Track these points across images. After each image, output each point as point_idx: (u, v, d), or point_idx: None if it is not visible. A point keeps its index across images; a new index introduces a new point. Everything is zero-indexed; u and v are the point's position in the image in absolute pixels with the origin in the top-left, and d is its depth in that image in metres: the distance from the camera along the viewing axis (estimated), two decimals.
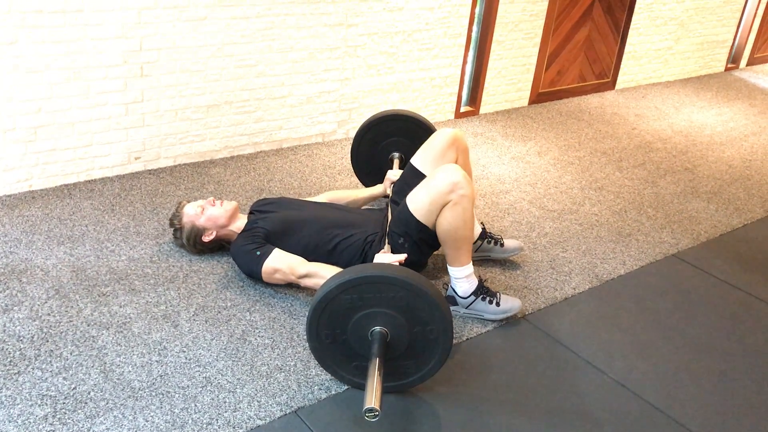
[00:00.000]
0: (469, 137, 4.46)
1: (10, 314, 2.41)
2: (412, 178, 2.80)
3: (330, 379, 2.26)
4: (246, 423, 2.06)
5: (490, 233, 2.99)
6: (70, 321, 2.41)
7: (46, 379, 2.15)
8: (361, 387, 2.20)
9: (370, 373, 1.98)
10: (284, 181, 3.60)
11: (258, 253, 2.60)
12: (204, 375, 2.23)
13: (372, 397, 1.88)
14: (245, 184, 3.53)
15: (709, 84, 6.27)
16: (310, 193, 3.48)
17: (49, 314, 2.43)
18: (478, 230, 2.95)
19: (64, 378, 2.16)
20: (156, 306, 2.53)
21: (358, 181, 3.54)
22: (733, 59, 6.86)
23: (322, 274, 2.50)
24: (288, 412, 2.12)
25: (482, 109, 4.92)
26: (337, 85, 4.06)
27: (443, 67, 4.50)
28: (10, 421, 1.99)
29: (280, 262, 2.58)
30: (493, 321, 2.63)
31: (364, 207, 3.18)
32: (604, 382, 2.39)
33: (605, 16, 5.37)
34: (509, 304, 2.62)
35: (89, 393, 2.11)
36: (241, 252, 2.64)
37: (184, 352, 2.32)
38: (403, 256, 2.48)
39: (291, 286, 2.70)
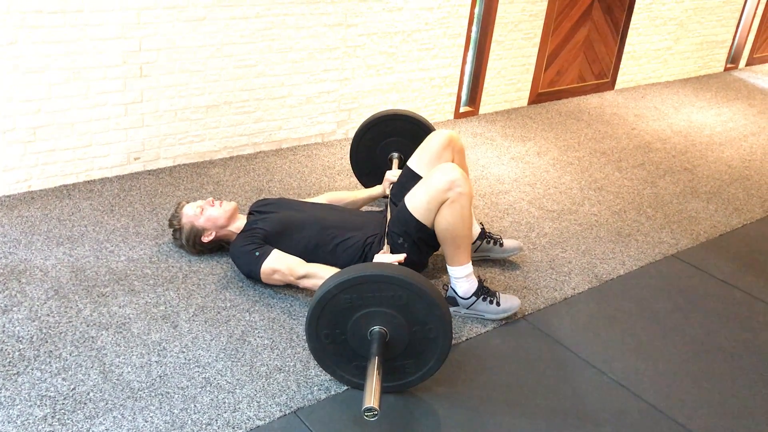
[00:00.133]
0: (469, 137, 4.46)
1: (10, 315, 2.41)
2: (409, 180, 2.80)
3: (329, 380, 2.26)
4: (245, 423, 2.06)
5: (489, 233, 2.99)
6: (70, 321, 2.41)
7: (46, 379, 2.15)
8: (361, 387, 2.20)
9: (369, 373, 1.98)
10: (284, 182, 3.59)
11: (257, 253, 2.60)
12: (203, 375, 2.23)
13: (371, 397, 1.88)
14: (244, 184, 3.53)
15: (709, 84, 6.27)
16: (309, 193, 3.48)
17: (48, 315, 2.43)
18: (477, 230, 2.95)
19: (64, 378, 2.16)
20: (155, 306, 2.53)
21: (358, 182, 3.54)
22: (733, 59, 6.86)
23: (321, 274, 2.50)
24: (287, 412, 2.12)
25: (482, 110, 4.92)
26: (336, 86, 4.06)
27: (443, 67, 4.50)
28: (9, 422, 1.99)
29: (279, 263, 2.58)
30: (494, 321, 2.63)
31: (363, 208, 3.18)
32: (604, 382, 2.39)
33: (604, 16, 5.37)
34: (509, 303, 2.63)
35: (88, 393, 2.11)
36: (240, 252, 2.64)
37: (184, 352, 2.32)
38: (402, 256, 2.48)
39: (290, 287, 2.70)
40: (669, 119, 5.20)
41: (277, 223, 2.69)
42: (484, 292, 2.61)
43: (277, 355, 2.35)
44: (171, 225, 2.83)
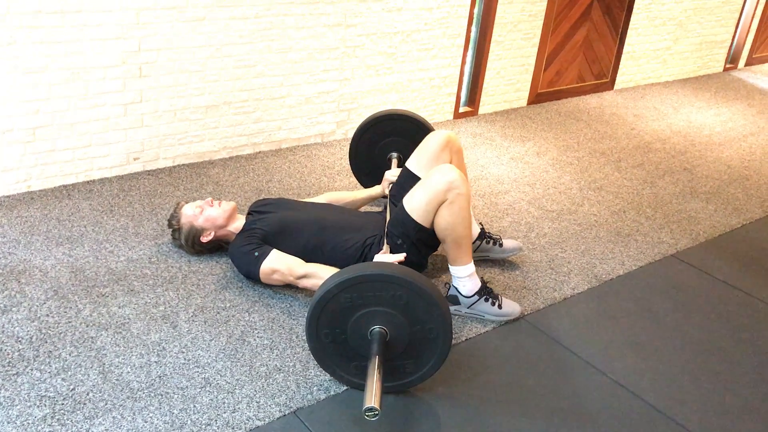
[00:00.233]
0: (468, 138, 4.46)
1: (9, 315, 2.41)
2: (408, 181, 2.80)
3: (329, 380, 2.26)
4: (245, 424, 2.06)
5: (488, 233, 2.99)
6: (69, 322, 2.41)
7: (45, 380, 2.15)
8: (361, 387, 2.20)
9: (370, 373, 1.98)
10: (283, 182, 3.59)
11: (256, 254, 2.60)
12: (203, 376, 2.23)
13: (372, 396, 1.88)
14: (244, 184, 3.53)
15: (708, 84, 6.27)
16: (309, 193, 3.48)
17: (47, 315, 2.43)
18: (476, 230, 2.95)
19: (63, 379, 2.16)
20: (155, 307, 2.53)
21: (357, 182, 3.54)
22: (732, 59, 6.86)
23: (320, 274, 2.50)
24: (287, 412, 2.12)
25: (481, 110, 4.92)
26: (336, 86, 4.06)
27: (442, 67, 4.50)
28: (8, 422, 1.98)
29: (279, 263, 2.58)
30: (493, 322, 2.63)
31: (362, 208, 3.18)
32: (603, 383, 2.39)
33: (604, 17, 5.37)
34: (510, 308, 2.63)
35: (88, 394, 2.11)
36: (239, 253, 2.64)
37: (183, 352, 2.32)
38: (402, 256, 2.48)
39: (289, 287, 2.70)
40: (668, 119, 5.20)
41: (276, 223, 2.69)
42: (486, 292, 2.61)
43: (277, 355, 2.35)
44: (170, 225, 2.83)
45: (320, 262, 2.62)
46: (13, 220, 3.00)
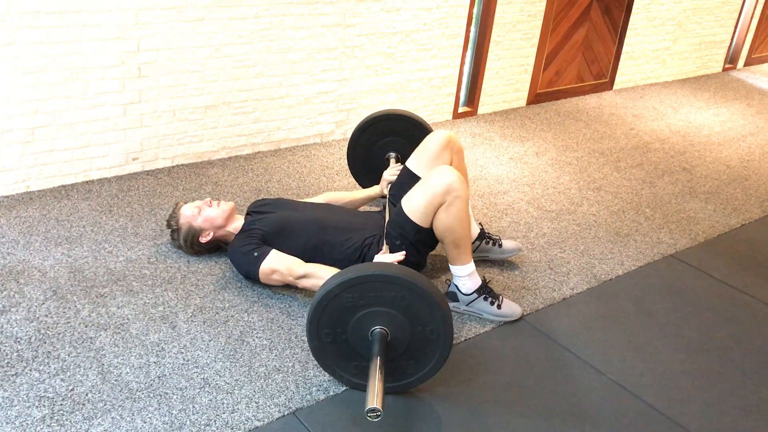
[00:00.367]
0: (467, 138, 4.46)
1: (8, 315, 2.41)
2: (408, 180, 2.80)
3: (328, 380, 2.26)
4: (244, 424, 2.06)
5: (488, 234, 2.99)
6: (68, 322, 2.41)
7: (44, 380, 2.15)
8: (360, 387, 2.20)
9: (372, 373, 1.97)
10: (282, 182, 3.59)
11: (255, 254, 2.60)
12: (202, 376, 2.23)
13: (374, 397, 1.88)
14: (243, 184, 3.53)
15: (707, 84, 6.27)
16: (308, 193, 3.48)
17: (46, 315, 2.43)
18: (476, 231, 2.95)
19: (62, 379, 2.16)
20: (154, 307, 2.53)
21: (356, 182, 3.54)
22: (731, 60, 6.86)
23: (320, 274, 2.50)
24: (286, 413, 2.12)
25: (480, 110, 4.92)
26: (335, 86, 4.06)
27: (441, 67, 4.50)
28: (7, 423, 1.98)
29: (278, 263, 2.58)
30: (492, 322, 2.63)
31: (361, 208, 3.18)
32: (603, 383, 2.39)
33: (603, 17, 5.37)
34: (510, 309, 2.63)
35: (87, 394, 2.11)
36: (239, 253, 2.64)
37: (182, 353, 2.32)
38: (401, 254, 2.49)
39: (289, 287, 2.70)
40: (667, 119, 5.20)
41: (275, 224, 2.69)
42: (486, 291, 2.62)
43: (276, 355, 2.35)
44: (169, 225, 2.83)
45: (319, 262, 2.62)
46: (12, 221, 3.00)
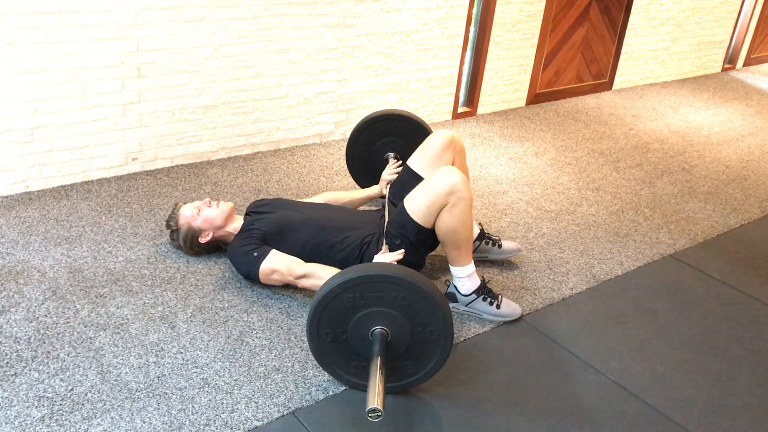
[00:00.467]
0: (467, 138, 4.46)
1: (7, 316, 2.41)
2: (409, 179, 2.80)
3: (327, 380, 2.26)
4: (243, 424, 2.06)
5: (488, 234, 2.99)
6: (67, 322, 2.41)
7: (43, 380, 2.15)
8: (360, 387, 2.20)
9: (372, 373, 1.97)
10: (282, 182, 3.59)
11: (255, 254, 2.60)
12: (201, 376, 2.23)
13: (375, 398, 1.88)
14: (242, 185, 3.53)
15: (706, 84, 6.28)
16: (307, 194, 3.48)
17: (45, 315, 2.43)
18: (476, 231, 2.95)
19: (61, 379, 2.16)
20: (153, 307, 2.53)
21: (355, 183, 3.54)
22: (730, 60, 6.87)
23: (320, 274, 2.50)
24: (285, 413, 2.12)
25: (480, 110, 4.92)
26: (334, 86, 4.06)
27: (441, 67, 4.50)
28: (6, 423, 1.98)
29: (278, 263, 2.58)
30: (491, 321, 2.63)
31: (360, 208, 3.18)
32: (602, 383, 2.39)
33: (602, 17, 5.37)
34: (510, 309, 2.63)
35: (86, 394, 2.11)
36: (238, 253, 2.64)
37: (182, 353, 2.32)
38: (400, 253, 2.48)
39: (288, 287, 2.70)
40: (666, 119, 5.21)
41: (275, 223, 2.69)
42: (485, 292, 2.61)
43: (275, 355, 2.35)
44: (168, 226, 2.83)
45: (319, 262, 2.62)
46: (12, 221, 3.00)
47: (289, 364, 2.32)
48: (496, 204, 3.59)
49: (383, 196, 3.10)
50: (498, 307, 2.61)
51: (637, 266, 3.14)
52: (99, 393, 2.12)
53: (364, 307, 2.08)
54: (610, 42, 5.55)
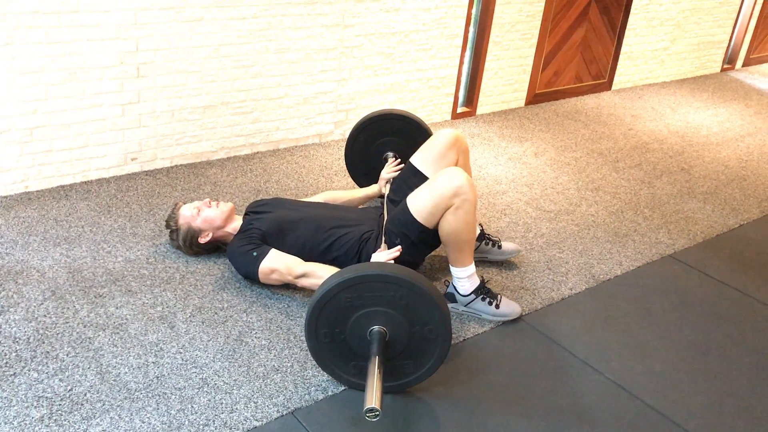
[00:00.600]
0: (466, 138, 4.46)
1: (6, 316, 2.41)
2: (411, 177, 2.80)
3: (327, 380, 2.26)
4: (243, 424, 2.06)
5: (488, 235, 2.99)
6: (66, 322, 2.41)
7: (42, 380, 2.15)
8: (359, 387, 2.20)
9: (370, 373, 1.97)
10: (281, 182, 3.59)
11: (254, 254, 2.60)
12: (201, 376, 2.23)
13: (372, 397, 1.88)
14: (242, 185, 3.53)
15: (706, 85, 6.28)
16: (306, 193, 3.48)
17: (45, 316, 2.43)
18: (476, 231, 2.95)
19: (60, 379, 2.16)
20: (152, 307, 2.53)
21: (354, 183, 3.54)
22: (729, 60, 6.87)
23: (319, 273, 2.50)
24: (285, 413, 2.12)
25: (479, 110, 4.92)
26: (333, 86, 4.06)
27: (440, 67, 4.50)
28: (6, 423, 1.98)
29: (277, 263, 2.58)
30: (490, 321, 2.63)
31: (359, 207, 3.18)
32: (601, 383, 2.40)
33: (601, 17, 5.38)
34: (509, 308, 2.63)
35: (85, 394, 2.11)
36: (238, 253, 2.64)
37: (181, 353, 2.32)
38: (397, 250, 2.48)
39: (287, 287, 2.70)
40: (666, 120, 5.21)
41: (273, 223, 2.69)
42: (484, 292, 2.61)
43: (275, 355, 2.35)
44: (168, 226, 2.83)
45: (318, 260, 2.62)
46: (11, 221, 3.00)
47: (289, 364, 2.31)
48: (495, 204, 3.59)
49: (382, 195, 3.10)
50: (497, 306, 2.61)
51: (636, 266, 3.15)
52: (98, 393, 2.12)
53: (362, 307, 2.08)
54: (609, 42, 5.55)
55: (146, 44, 3.31)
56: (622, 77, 5.84)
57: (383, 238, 2.62)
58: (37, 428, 1.98)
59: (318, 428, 2.08)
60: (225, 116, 3.71)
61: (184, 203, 2.84)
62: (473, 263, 2.60)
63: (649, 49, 5.93)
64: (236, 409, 2.11)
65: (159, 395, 2.13)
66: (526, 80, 5.11)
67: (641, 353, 2.57)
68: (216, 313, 2.53)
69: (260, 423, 2.07)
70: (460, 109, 4.82)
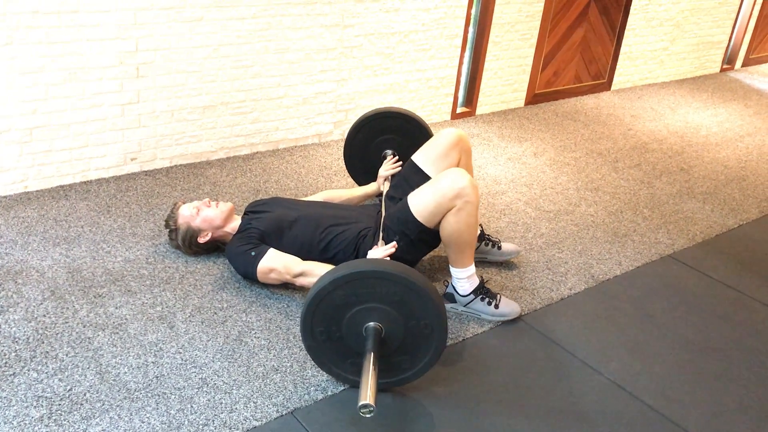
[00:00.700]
0: None
1: (6, 316, 2.41)
2: (412, 174, 2.80)
3: (326, 380, 2.26)
4: (242, 424, 2.06)
5: (488, 236, 2.99)
6: (66, 322, 2.41)
7: (42, 380, 2.15)
8: (357, 385, 2.20)
9: (365, 369, 1.97)
10: (280, 182, 3.59)
11: (253, 253, 2.60)
12: (200, 376, 2.23)
13: (366, 393, 1.88)
14: (241, 185, 3.53)
15: (705, 85, 6.28)
16: (306, 193, 3.48)
17: (44, 315, 2.43)
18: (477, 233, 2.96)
19: (60, 379, 2.16)
20: (152, 307, 2.53)
21: (353, 182, 3.54)
22: (729, 60, 6.87)
23: (317, 272, 2.50)
24: (284, 413, 2.12)
25: (478, 110, 4.92)
26: (333, 86, 4.06)
27: (440, 68, 4.50)
28: (5, 423, 1.98)
29: (276, 262, 2.58)
30: (490, 321, 2.63)
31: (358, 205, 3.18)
32: (600, 383, 2.40)
33: (601, 17, 5.38)
34: (508, 308, 2.63)
35: (85, 394, 2.11)
36: (236, 253, 2.64)
37: (180, 353, 2.32)
38: (392, 247, 2.47)
39: (287, 287, 2.70)
40: (665, 120, 5.21)
41: (272, 222, 2.69)
42: (483, 292, 2.61)
43: (274, 355, 2.35)
44: (167, 226, 2.83)
45: (316, 259, 2.62)
46: (10, 221, 3.00)
47: (288, 364, 2.32)
48: (494, 204, 3.59)
49: (381, 193, 3.10)
50: (496, 306, 2.61)
51: (635, 266, 3.15)
52: (98, 393, 2.12)
53: (356, 304, 2.08)
54: (608, 42, 5.55)
55: (146, 44, 3.31)
56: (621, 77, 5.85)
57: (380, 235, 2.62)
58: (36, 428, 1.98)
59: (317, 428, 2.08)
60: (224, 116, 3.72)
61: (184, 203, 2.84)
62: (473, 264, 2.60)
63: (648, 49, 5.93)
64: (236, 408, 2.11)
65: (158, 395, 2.13)
66: (525, 80, 5.11)
67: (640, 353, 2.57)
68: (215, 313, 2.53)
69: (260, 423, 2.07)
70: (459, 109, 4.82)
